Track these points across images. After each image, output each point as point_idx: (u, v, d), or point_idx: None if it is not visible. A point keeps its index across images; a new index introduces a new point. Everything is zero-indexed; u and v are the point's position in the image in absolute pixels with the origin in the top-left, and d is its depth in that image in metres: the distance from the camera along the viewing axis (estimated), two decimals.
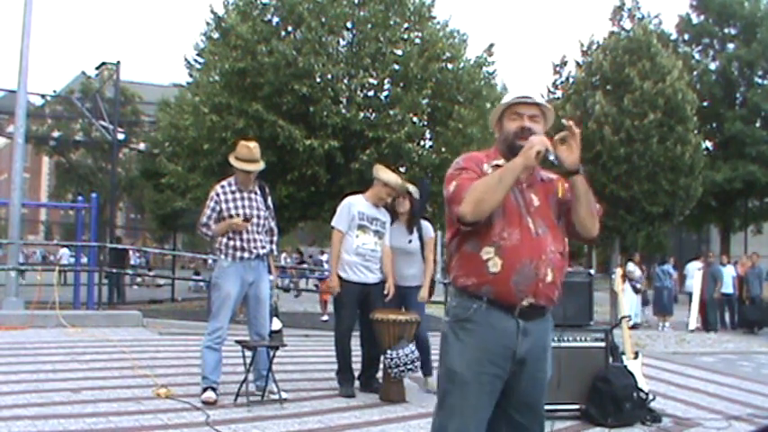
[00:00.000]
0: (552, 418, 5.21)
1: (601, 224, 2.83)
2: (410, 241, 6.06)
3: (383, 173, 6.12)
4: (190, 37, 47.11)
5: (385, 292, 6.02)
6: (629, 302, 14.47)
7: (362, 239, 5.95)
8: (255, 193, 5.71)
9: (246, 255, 5.54)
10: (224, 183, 5.70)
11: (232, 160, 5.65)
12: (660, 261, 17.26)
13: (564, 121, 2.68)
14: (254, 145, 5.70)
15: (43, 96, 29.74)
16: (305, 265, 23.65)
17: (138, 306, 14.47)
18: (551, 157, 2.59)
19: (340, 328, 6.04)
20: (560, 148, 2.62)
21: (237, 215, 5.54)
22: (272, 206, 5.88)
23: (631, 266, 16.13)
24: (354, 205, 6.02)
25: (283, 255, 24.07)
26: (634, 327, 14.13)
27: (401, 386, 5.82)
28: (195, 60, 16.52)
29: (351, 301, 5.94)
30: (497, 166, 2.67)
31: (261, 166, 5.68)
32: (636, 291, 15.69)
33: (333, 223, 6.09)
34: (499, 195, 2.54)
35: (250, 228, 5.58)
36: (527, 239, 2.60)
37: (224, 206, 5.56)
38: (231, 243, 5.53)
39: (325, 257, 20.99)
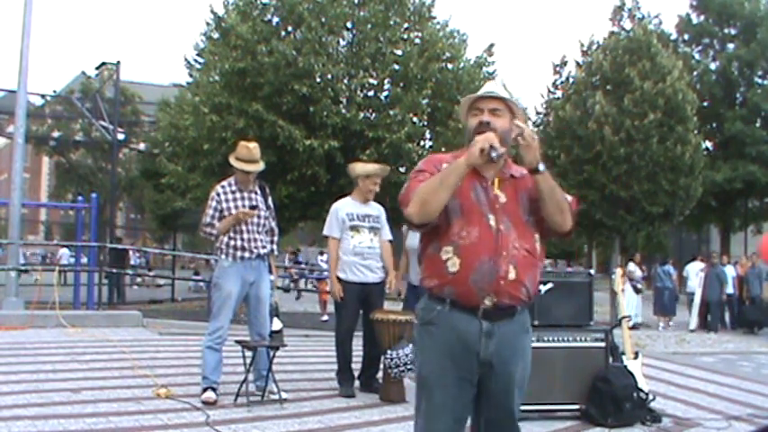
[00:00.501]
0: (552, 417, 5.23)
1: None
2: None
3: (359, 167, 6.20)
4: (190, 37, 47.15)
5: (387, 288, 6.04)
6: (630, 302, 14.48)
7: (358, 239, 5.96)
8: (255, 193, 5.71)
9: (247, 254, 5.54)
10: (224, 183, 5.71)
11: (232, 160, 5.66)
12: (661, 262, 17.25)
13: (516, 122, 2.60)
14: (253, 145, 5.70)
15: (43, 96, 29.75)
16: (303, 265, 23.64)
17: (138, 306, 14.47)
18: (494, 155, 2.50)
19: (341, 328, 6.04)
20: (522, 146, 2.56)
21: None
22: (272, 206, 5.89)
23: (632, 266, 16.13)
24: (341, 209, 6.03)
25: (287, 255, 24.08)
26: (634, 327, 14.14)
27: (401, 386, 5.82)
28: (195, 60, 16.55)
29: (351, 302, 5.93)
30: None
31: (260, 166, 5.68)
32: (636, 291, 15.70)
33: (325, 232, 6.09)
34: (443, 195, 2.50)
35: (251, 227, 5.58)
36: (486, 237, 2.55)
37: (224, 206, 5.57)
38: (232, 243, 5.54)
39: (324, 257, 20.97)
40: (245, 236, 5.55)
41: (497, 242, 2.54)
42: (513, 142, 2.62)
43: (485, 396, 2.65)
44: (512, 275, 2.54)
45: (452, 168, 2.52)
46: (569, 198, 2.69)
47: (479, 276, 2.52)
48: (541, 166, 2.55)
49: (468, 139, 2.64)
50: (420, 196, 2.53)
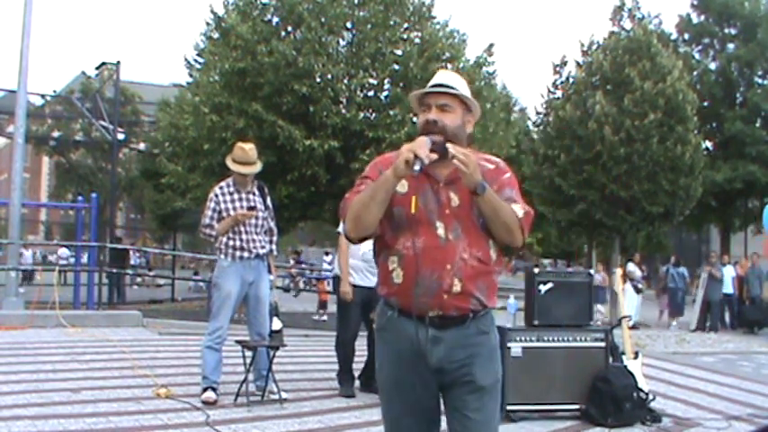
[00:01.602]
0: (552, 417, 5.23)
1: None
2: None
3: None
4: (190, 37, 47.09)
5: None
6: (631, 302, 14.51)
7: (368, 245, 5.95)
8: (254, 194, 5.71)
9: (246, 254, 5.54)
10: (222, 183, 5.71)
11: (228, 162, 5.66)
12: (675, 263, 17.39)
13: (449, 146, 2.37)
14: (249, 147, 5.71)
15: (43, 96, 29.76)
16: (303, 265, 23.67)
17: (138, 306, 14.47)
18: (416, 168, 2.28)
19: (347, 332, 6.05)
20: (459, 168, 2.35)
21: None
22: (270, 206, 5.89)
23: (631, 267, 16.16)
24: None
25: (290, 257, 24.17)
26: (634, 327, 14.17)
27: None
28: (195, 60, 16.55)
29: (358, 305, 5.96)
30: None
31: (257, 168, 5.68)
32: (637, 291, 15.76)
33: (340, 230, 6.04)
34: (374, 210, 2.38)
35: (249, 228, 5.59)
36: (431, 248, 2.39)
37: (222, 206, 5.57)
38: (231, 243, 5.54)
39: (329, 258, 20.99)
40: (244, 236, 5.56)
41: (443, 253, 2.39)
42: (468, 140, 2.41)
43: (446, 405, 2.51)
44: (456, 288, 2.39)
45: (381, 182, 2.37)
46: (521, 213, 2.45)
47: (422, 290, 2.38)
48: (480, 189, 2.34)
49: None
50: (353, 212, 2.44)
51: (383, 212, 2.42)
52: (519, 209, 2.46)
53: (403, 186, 2.44)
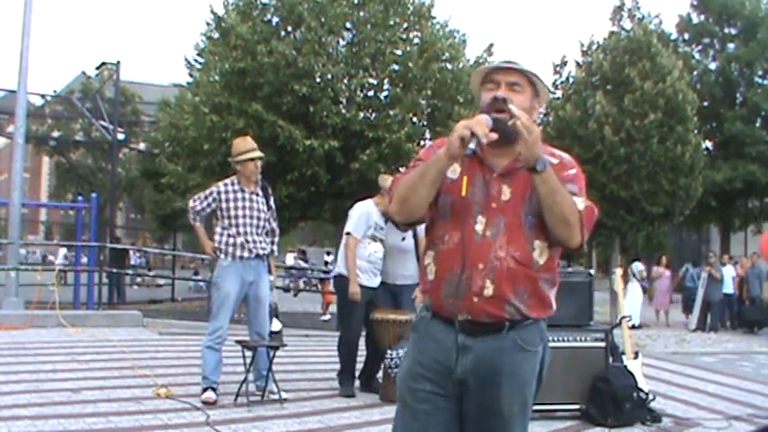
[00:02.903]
0: (552, 417, 5.23)
1: (601, 224, 2.59)
2: (403, 239, 6.10)
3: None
4: (190, 37, 47.18)
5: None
6: (635, 302, 14.55)
7: (373, 248, 6.05)
8: (258, 194, 5.70)
9: (246, 254, 5.54)
10: (227, 181, 5.70)
11: (234, 159, 5.65)
12: (693, 264, 17.55)
13: (511, 107, 2.14)
14: (246, 137, 5.95)
15: (43, 96, 29.76)
16: (306, 265, 23.66)
17: (138, 306, 14.47)
18: (472, 146, 2.06)
19: (351, 331, 6.07)
20: (518, 139, 2.12)
21: (237, 216, 5.56)
22: (273, 207, 5.89)
23: (640, 266, 16.27)
24: (372, 215, 6.06)
25: (294, 255, 24.09)
26: (639, 326, 14.22)
27: None
28: (195, 60, 16.59)
29: (362, 306, 5.98)
30: None
31: (260, 153, 5.77)
32: (644, 290, 15.86)
33: (350, 230, 6.03)
34: (423, 192, 2.18)
35: (250, 229, 5.59)
36: (465, 244, 2.18)
37: (224, 205, 5.57)
38: (231, 242, 5.54)
39: (331, 258, 21.00)
40: (245, 237, 5.56)
41: (476, 251, 2.17)
42: (512, 129, 2.13)
43: (465, 422, 2.28)
44: (488, 291, 2.16)
45: (432, 161, 2.17)
46: (582, 206, 2.19)
47: (450, 290, 2.20)
48: (540, 165, 2.09)
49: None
50: (400, 192, 2.25)
51: (433, 196, 2.22)
52: (581, 202, 2.21)
53: (454, 172, 2.25)
